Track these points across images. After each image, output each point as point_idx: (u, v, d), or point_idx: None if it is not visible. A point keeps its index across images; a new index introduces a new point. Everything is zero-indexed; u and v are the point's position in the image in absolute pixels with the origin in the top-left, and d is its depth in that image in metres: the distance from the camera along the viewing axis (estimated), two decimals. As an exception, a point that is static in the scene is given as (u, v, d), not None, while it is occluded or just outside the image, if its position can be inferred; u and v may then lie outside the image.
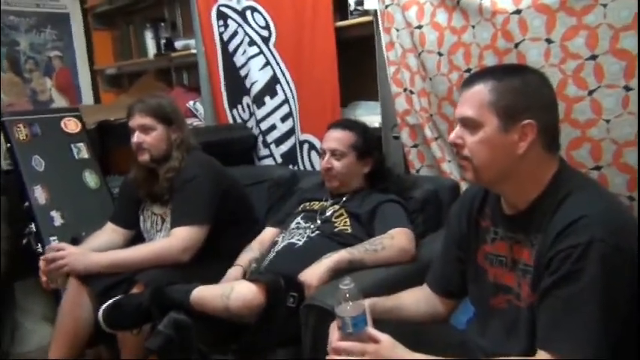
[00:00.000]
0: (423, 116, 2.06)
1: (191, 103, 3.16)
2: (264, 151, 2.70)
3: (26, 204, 2.69)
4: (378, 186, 1.88)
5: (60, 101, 3.59)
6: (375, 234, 1.69)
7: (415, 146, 2.14)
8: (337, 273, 1.49)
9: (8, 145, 2.80)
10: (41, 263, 1.81)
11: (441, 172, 2.02)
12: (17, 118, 2.86)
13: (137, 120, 1.97)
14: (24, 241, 2.69)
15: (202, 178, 1.96)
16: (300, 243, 1.73)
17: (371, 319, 1.24)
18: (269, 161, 2.69)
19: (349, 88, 2.40)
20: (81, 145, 2.96)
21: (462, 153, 1.17)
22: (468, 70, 1.85)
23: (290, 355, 1.47)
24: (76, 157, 2.92)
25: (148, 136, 1.97)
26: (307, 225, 1.81)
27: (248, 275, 1.73)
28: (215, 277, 1.84)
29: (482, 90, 1.13)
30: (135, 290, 1.78)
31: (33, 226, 2.67)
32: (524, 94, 1.11)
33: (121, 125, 3.17)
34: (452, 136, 1.18)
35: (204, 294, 1.54)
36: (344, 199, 1.86)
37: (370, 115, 2.32)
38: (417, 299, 1.38)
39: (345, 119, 2.17)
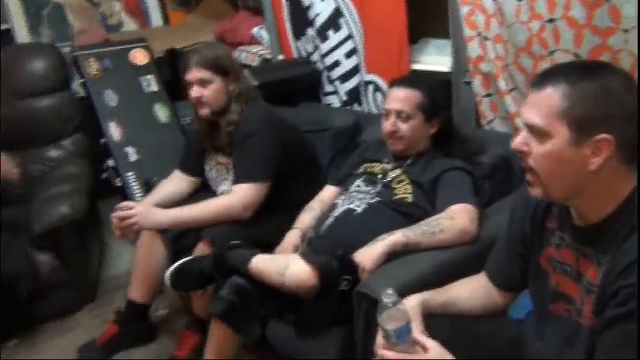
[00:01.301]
0: (497, 65, 1.88)
1: (255, 29, 3.06)
2: (328, 88, 2.61)
3: (103, 140, 2.81)
4: (444, 148, 1.77)
5: (129, 24, 3.59)
6: (437, 205, 1.62)
7: (488, 96, 1.98)
8: (392, 255, 1.47)
9: (82, 80, 2.87)
10: (114, 220, 1.90)
11: (515, 129, 1.87)
12: (88, 53, 2.90)
13: (194, 74, 1.94)
14: (103, 176, 2.85)
15: (262, 134, 1.93)
16: (359, 210, 1.70)
17: (421, 318, 1.23)
18: (334, 98, 2.60)
19: (419, 24, 2.21)
20: (150, 77, 2.99)
21: (527, 162, 1.05)
22: (551, 21, 1.63)
23: (344, 334, 1.50)
24: (146, 90, 2.96)
25: (206, 90, 1.94)
26: (367, 189, 1.76)
27: (305, 243, 1.73)
28: (279, 229, 1.88)
29: (552, 95, 0.99)
30: (200, 245, 1.86)
31: (111, 161, 2.79)
32: (602, 103, 0.96)
33: (189, 52, 3.16)
34: (517, 140, 1.06)
35: (261, 266, 1.57)
36: (407, 162, 1.78)
37: (440, 56, 2.14)
38: (473, 291, 1.34)
39: (410, 75, 2.02)
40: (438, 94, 1.78)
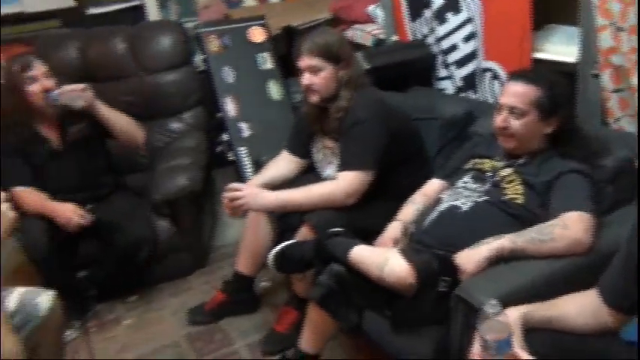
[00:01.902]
0: (631, 59, 1.71)
1: (371, 7, 3.02)
2: (443, 72, 2.53)
3: (219, 115, 2.94)
4: (561, 148, 1.66)
5: (250, 0, 3.68)
6: (550, 210, 1.53)
7: (617, 91, 1.82)
8: (496, 261, 1.42)
9: (203, 56, 3.01)
10: (224, 200, 2.00)
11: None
12: (209, 30, 3.03)
13: (306, 61, 1.96)
14: (218, 149, 3.00)
15: (371, 121, 1.93)
16: (465, 208, 1.66)
17: (521, 332, 1.19)
18: (447, 84, 2.52)
19: (545, 9, 2.06)
20: (265, 54, 3.07)
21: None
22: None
23: (440, 335, 1.48)
24: (261, 67, 3.05)
25: (316, 77, 1.96)
26: (475, 187, 1.70)
27: (406, 238, 1.72)
28: (382, 217, 1.88)
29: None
30: (303, 229, 1.92)
31: (225, 136, 2.93)
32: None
33: (305, 30, 3.20)
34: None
35: (361, 258, 1.58)
36: (519, 162, 1.69)
37: (566, 45, 1.99)
38: (582, 308, 1.26)
39: (530, 69, 1.90)
40: (559, 91, 1.66)
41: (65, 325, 1.79)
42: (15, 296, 1.50)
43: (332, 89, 1.98)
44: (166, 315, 2.39)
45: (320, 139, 2.17)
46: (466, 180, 1.75)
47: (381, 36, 2.92)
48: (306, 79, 1.97)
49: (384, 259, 1.53)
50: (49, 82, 2.22)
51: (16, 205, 1.82)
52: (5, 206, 1.19)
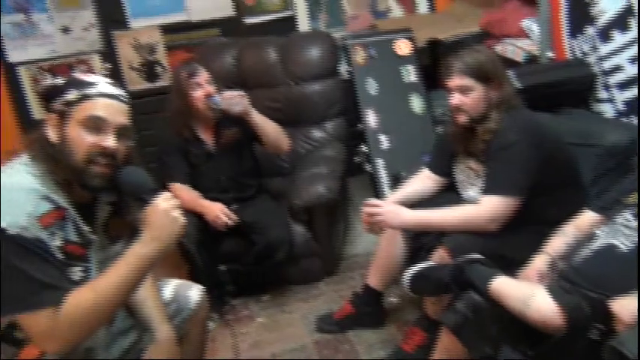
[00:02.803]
0: None
1: (526, 21, 2.88)
2: (603, 94, 2.34)
3: (360, 126, 2.98)
4: None
5: (396, 11, 3.69)
6: None
7: None
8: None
9: (349, 68, 3.07)
10: (363, 215, 2.02)
11: None
12: (356, 41, 3.08)
13: (456, 81, 1.92)
14: (356, 159, 3.04)
15: (521, 145, 1.84)
16: (625, 248, 1.51)
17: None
18: (607, 107, 2.33)
19: None
20: (410, 67, 3.06)
21: None
22: None
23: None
24: (405, 80, 3.04)
25: (466, 98, 1.91)
26: (637, 226, 1.55)
27: (554, 274, 1.61)
28: (525, 247, 1.78)
29: None
30: (439, 251, 1.88)
31: (364, 147, 2.96)
32: None
33: (452, 44, 3.14)
34: None
35: (503, 290, 1.51)
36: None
37: None
38: None
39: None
40: None
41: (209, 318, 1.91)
42: (170, 288, 1.63)
43: (481, 110, 1.92)
44: (296, 318, 2.46)
45: (463, 160, 2.11)
46: (627, 217, 1.59)
47: (535, 52, 2.77)
48: (456, 99, 1.93)
49: (530, 294, 1.44)
50: (211, 88, 2.41)
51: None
52: (178, 212, 1.29)
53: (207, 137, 2.52)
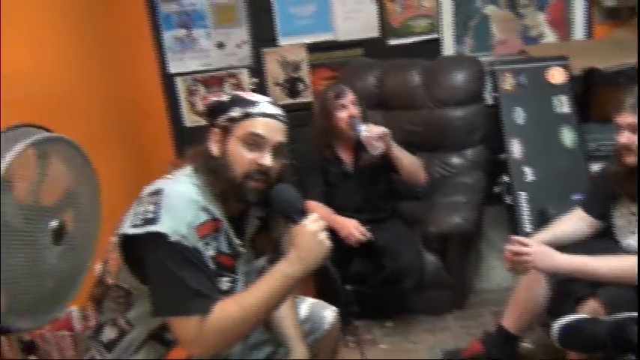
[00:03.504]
0: None
1: None
2: None
3: (503, 155, 2.84)
4: None
5: (549, 36, 3.48)
6: None
7: None
8: None
9: (494, 94, 2.94)
10: (507, 253, 1.90)
11: None
12: (506, 67, 2.95)
13: (628, 118, 1.76)
14: (495, 190, 2.89)
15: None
16: None
17: None
18: None
19: None
20: (563, 97, 2.87)
21: None
22: None
23: None
24: (556, 110, 2.85)
25: (637, 137, 1.73)
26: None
27: None
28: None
29: None
30: (591, 303, 1.71)
31: (506, 177, 2.81)
32: None
33: (611, 74, 2.89)
34: None
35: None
36: None
37: None
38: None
39: None
40: None
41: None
42: (306, 306, 1.65)
43: (652, 149, 1.73)
44: (422, 349, 2.39)
45: (626, 204, 1.92)
46: None
47: None
48: (625, 137, 1.76)
49: None
50: (356, 110, 2.42)
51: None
52: (324, 236, 1.30)
53: (346, 157, 2.53)
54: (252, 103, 1.36)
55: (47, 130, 1.44)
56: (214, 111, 1.39)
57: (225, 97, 1.41)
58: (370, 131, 2.34)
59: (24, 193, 1.30)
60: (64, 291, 1.49)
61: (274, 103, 1.40)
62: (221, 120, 1.37)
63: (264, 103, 1.37)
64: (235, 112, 1.35)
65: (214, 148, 1.36)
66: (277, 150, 1.35)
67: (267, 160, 1.33)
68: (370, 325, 2.59)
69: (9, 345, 1.50)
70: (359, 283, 2.54)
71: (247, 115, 1.34)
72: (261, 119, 1.34)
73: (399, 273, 2.41)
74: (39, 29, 2.28)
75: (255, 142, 1.33)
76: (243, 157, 1.32)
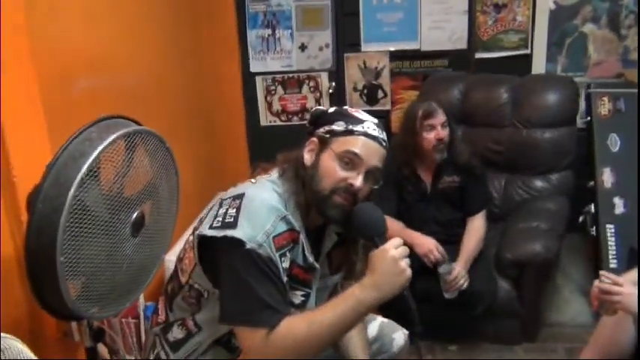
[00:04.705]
0: None
1: None
2: None
3: (591, 183, 2.67)
4: None
5: (651, 61, 3.25)
6: None
7: None
8: None
9: (588, 118, 2.77)
10: (595, 290, 1.76)
11: None
12: (603, 91, 2.77)
13: None
14: (580, 219, 2.72)
15: None
16: None
17: None
18: None
19: None
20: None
21: None
22: None
23: None
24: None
25: None
26: None
27: None
28: None
29: None
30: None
31: (592, 207, 2.64)
32: None
33: None
34: None
35: None
36: None
37: None
38: None
39: None
40: None
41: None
42: (375, 325, 1.59)
43: None
44: (487, 379, 2.27)
45: None
46: None
47: None
48: None
49: None
50: (444, 133, 2.33)
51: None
52: (406, 263, 1.23)
53: (426, 177, 2.45)
54: (358, 121, 1.31)
55: (136, 122, 1.45)
56: (317, 120, 1.36)
57: (331, 109, 1.37)
58: (453, 276, 2.27)
59: (109, 184, 1.31)
60: (135, 282, 1.50)
61: (379, 126, 1.34)
62: (321, 131, 1.32)
63: (369, 123, 1.32)
64: (338, 126, 1.31)
65: (307, 157, 1.32)
66: (370, 173, 1.30)
67: (358, 181, 1.27)
68: (433, 347, 2.49)
69: (79, 331, 1.52)
70: (425, 301, 2.45)
71: (349, 132, 1.30)
72: (362, 139, 1.29)
73: (469, 297, 2.30)
74: (130, 21, 2.33)
75: (350, 160, 1.28)
76: (334, 173, 1.28)
